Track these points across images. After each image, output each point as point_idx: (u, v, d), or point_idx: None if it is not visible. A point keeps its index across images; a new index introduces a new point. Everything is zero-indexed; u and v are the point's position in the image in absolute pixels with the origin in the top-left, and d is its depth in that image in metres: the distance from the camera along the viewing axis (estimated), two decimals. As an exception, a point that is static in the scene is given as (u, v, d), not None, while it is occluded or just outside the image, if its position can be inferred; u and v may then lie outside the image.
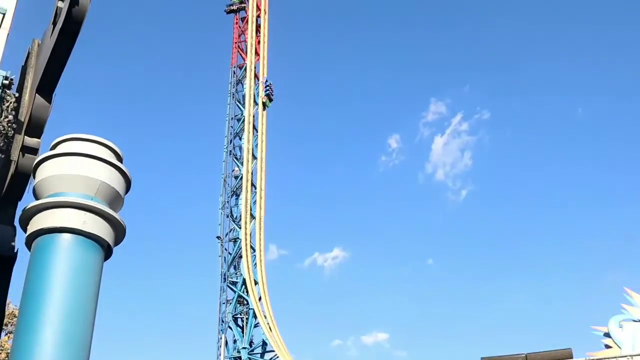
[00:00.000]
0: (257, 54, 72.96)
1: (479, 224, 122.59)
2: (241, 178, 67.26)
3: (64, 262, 13.28)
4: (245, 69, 72.16)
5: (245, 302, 62.96)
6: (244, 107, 70.44)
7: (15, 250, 13.94)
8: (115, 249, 14.70)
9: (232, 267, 65.42)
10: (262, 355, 60.98)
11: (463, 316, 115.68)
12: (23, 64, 14.94)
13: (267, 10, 75.45)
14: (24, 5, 14.40)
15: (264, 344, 60.54)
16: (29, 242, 13.86)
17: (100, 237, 13.88)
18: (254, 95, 70.79)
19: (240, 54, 74.14)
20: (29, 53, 14.74)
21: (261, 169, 68.09)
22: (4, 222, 14.10)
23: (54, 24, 12.85)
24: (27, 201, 14.29)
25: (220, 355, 62.07)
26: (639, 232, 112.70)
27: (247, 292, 62.26)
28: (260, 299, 61.94)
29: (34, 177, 14.34)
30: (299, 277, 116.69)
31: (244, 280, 62.49)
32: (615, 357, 31.80)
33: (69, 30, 12.22)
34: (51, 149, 14.68)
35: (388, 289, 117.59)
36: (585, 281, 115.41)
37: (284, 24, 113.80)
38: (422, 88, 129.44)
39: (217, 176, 69.37)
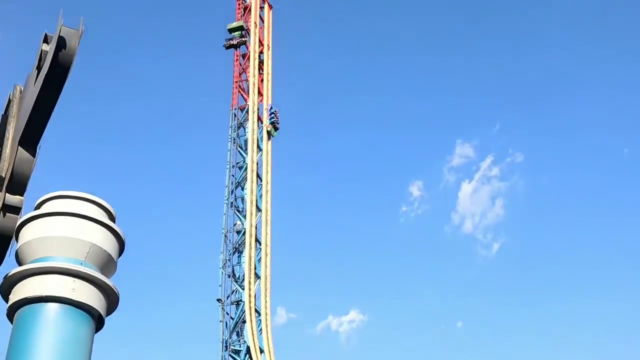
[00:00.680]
0: (260, 94, 73.54)
1: (513, 282, 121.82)
2: (244, 233, 67.22)
3: (51, 335, 13.16)
4: (247, 111, 72.66)
5: (251, 374, 62.52)
6: (246, 154, 70.75)
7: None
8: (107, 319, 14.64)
9: (235, 333, 65.00)
10: None
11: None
12: (3, 113, 15.02)
13: (270, 45, 76.21)
14: (4, 49, 14.55)
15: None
16: (10, 313, 13.79)
17: (91, 306, 13.78)
18: (257, 140, 71.16)
19: (242, 94, 74.70)
20: (9, 100, 14.82)
21: (266, 223, 68.11)
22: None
23: (39, 68, 12.92)
24: (9, 267, 14.25)
25: None
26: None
27: (252, 362, 61.85)
28: (267, 369, 61.49)
29: (16, 240, 14.31)
30: (311, 344, 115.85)
31: (248, 348, 62.05)
32: None
33: (56, 75, 12.27)
34: (36, 208, 14.70)
35: (412, 356, 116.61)
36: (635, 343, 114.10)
37: (290, 57, 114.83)
38: (447, 128, 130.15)
39: (218, 231, 69.44)
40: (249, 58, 74.88)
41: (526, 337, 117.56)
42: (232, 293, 66.33)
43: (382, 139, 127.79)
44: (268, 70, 74.85)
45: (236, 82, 75.35)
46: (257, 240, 67.50)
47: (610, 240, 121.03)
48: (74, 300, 13.65)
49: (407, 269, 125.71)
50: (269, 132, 71.69)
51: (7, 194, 14.07)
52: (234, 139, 72.74)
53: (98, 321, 14.36)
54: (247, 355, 62.48)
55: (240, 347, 63.78)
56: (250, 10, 76.77)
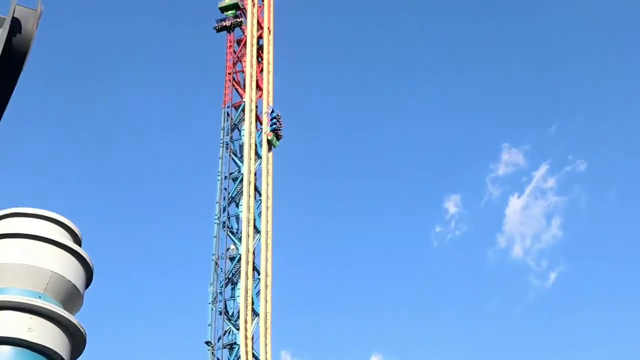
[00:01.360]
0: (259, 88, 73.61)
1: (574, 317, 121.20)
2: (239, 260, 67.21)
3: (2, 386, 13.19)
4: (243, 110, 72.67)
5: None
6: (242, 162, 70.76)
7: None
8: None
9: (228, 384, 65.10)
10: None
11: None
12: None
13: (272, 28, 76.22)
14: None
15: None
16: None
17: (51, 349, 13.77)
18: (256, 146, 71.18)
19: (237, 89, 74.72)
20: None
21: (266, 247, 68.13)
22: None
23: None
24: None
25: None
26: None
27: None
28: None
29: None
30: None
31: (245, 402, 62.05)
32: None
33: (10, 64, 12.39)
34: (-16, 228, 14.75)
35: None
36: None
37: (297, 43, 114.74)
38: (491, 129, 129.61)
39: (206, 258, 69.46)
40: (245, 44, 74.95)
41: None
42: (224, 334, 66.33)
43: (409, 144, 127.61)
44: (269, 59, 74.88)
45: (229, 73, 75.35)
46: (255, 269, 67.49)
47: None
48: (31, 342, 13.64)
49: (440, 305, 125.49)
50: (269, 142, 71.43)
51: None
52: (227, 144, 72.70)
53: (61, 367, 14.37)
54: (243, 411, 62.48)
55: (234, 400, 63.81)
56: (246, -16, 76.87)
